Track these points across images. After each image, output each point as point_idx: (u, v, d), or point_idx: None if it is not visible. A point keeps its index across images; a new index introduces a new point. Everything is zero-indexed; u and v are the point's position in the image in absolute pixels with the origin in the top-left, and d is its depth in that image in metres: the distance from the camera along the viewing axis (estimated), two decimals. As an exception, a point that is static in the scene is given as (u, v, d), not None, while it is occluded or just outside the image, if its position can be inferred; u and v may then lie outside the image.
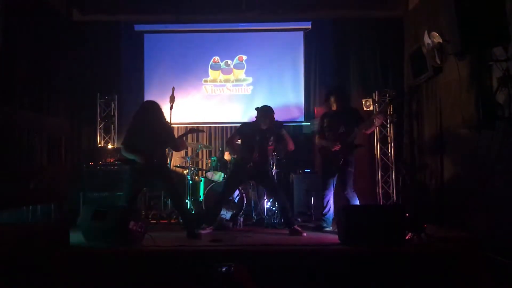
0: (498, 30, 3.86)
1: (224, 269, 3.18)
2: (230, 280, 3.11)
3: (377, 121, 5.16)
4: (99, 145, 6.99)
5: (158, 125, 4.72)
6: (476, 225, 4.49)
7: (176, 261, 3.77)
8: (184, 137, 5.27)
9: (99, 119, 7.08)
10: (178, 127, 7.01)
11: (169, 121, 5.00)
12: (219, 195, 5.28)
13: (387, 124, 6.79)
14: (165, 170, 4.91)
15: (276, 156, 6.00)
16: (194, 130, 5.60)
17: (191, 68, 7.49)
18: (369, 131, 5.44)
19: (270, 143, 5.15)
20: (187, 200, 5.98)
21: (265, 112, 5.08)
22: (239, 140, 5.36)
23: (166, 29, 7.60)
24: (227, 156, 6.44)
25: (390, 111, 6.63)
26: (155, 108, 4.77)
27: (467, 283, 3.60)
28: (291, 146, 5.14)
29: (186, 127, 7.37)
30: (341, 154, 5.09)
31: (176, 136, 5.08)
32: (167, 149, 5.20)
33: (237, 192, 5.64)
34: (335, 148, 5.07)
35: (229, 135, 7.31)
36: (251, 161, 5.07)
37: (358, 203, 5.15)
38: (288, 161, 6.34)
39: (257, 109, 5.16)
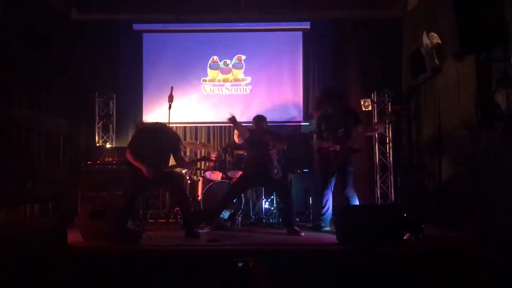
0: (497, 31, 3.87)
1: (240, 264, 3.23)
2: (247, 276, 3.15)
3: (380, 128, 5.33)
4: (97, 144, 6.98)
5: (167, 144, 4.80)
6: (474, 225, 4.50)
7: (174, 260, 3.77)
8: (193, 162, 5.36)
9: (97, 118, 7.06)
10: (176, 126, 7.01)
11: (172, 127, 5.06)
12: (222, 197, 5.28)
13: (386, 125, 6.79)
14: (169, 175, 4.91)
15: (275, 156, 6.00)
16: (205, 159, 5.82)
17: (189, 68, 7.49)
18: (368, 134, 5.49)
19: (270, 148, 5.19)
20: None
21: (254, 120, 5.32)
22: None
23: (165, 29, 7.59)
24: (236, 138, 6.43)
25: (388, 111, 6.64)
26: (168, 130, 4.87)
27: (465, 283, 3.60)
28: (280, 146, 5.25)
29: (184, 126, 7.41)
30: (340, 156, 5.08)
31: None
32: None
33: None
34: (335, 148, 5.06)
35: (227, 135, 7.33)
36: (253, 167, 5.18)
37: (358, 203, 5.16)
38: (287, 161, 6.33)
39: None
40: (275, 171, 5.16)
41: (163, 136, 4.74)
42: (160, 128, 4.78)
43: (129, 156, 4.67)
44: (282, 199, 5.36)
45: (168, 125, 4.92)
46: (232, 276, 3.24)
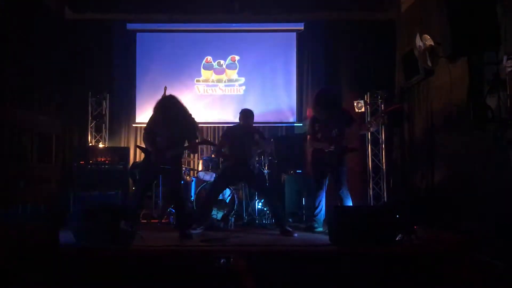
0: (489, 33, 3.90)
1: (222, 261, 3.26)
2: (228, 271, 3.18)
3: (373, 127, 5.36)
4: (90, 144, 6.95)
5: (184, 122, 4.75)
6: (466, 226, 4.52)
7: (167, 261, 3.76)
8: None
9: (90, 118, 7.03)
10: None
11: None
12: (207, 196, 5.30)
13: (379, 122, 6.80)
14: (177, 164, 4.91)
15: (268, 156, 6.01)
16: (207, 142, 5.83)
17: (183, 68, 7.47)
18: (361, 133, 5.51)
19: (254, 147, 5.26)
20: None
21: (242, 114, 5.36)
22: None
23: (159, 28, 7.57)
24: None
25: (381, 112, 6.65)
26: (181, 104, 4.79)
27: (457, 285, 3.62)
28: (265, 148, 5.49)
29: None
30: (335, 157, 5.09)
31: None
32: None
33: (228, 192, 5.65)
34: (330, 149, 5.07)
35: (221, 135, 7.32)
36: (236, 161, 5.19)
37: (351, 203, 5.16)
38: (280, 161, 6.34)
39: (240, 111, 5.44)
40: (251, 167, 5.24)
41: (179, 124, 4.71)
42: (177, 115, 4.73)
43: (144, 139, 4.91)
44: (263, 196, 5.45)
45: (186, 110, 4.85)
46: (216, 273, 3.27)
